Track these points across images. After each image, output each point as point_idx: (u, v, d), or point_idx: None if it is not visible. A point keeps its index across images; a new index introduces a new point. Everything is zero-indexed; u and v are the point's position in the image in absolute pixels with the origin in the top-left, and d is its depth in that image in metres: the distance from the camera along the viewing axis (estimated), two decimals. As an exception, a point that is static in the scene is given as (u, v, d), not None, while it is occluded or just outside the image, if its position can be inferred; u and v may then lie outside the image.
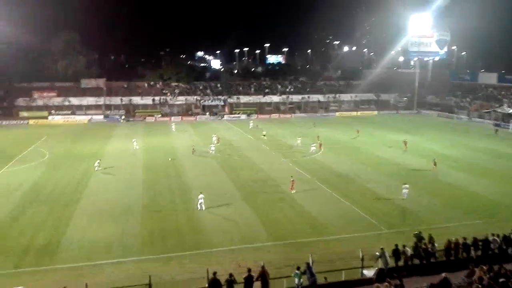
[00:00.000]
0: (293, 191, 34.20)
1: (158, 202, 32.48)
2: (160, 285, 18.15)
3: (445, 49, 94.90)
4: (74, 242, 25.24)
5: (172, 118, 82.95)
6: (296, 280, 18.17)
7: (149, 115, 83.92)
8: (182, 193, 34.76)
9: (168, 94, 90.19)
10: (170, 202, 32.66)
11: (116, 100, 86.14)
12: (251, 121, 75.49)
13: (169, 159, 46.61)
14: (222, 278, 17.12)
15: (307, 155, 48.85)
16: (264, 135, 59.76)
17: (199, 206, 30.31)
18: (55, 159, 47.04)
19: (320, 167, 43.30)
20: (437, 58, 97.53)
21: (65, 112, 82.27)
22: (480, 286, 14.19)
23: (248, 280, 17.24)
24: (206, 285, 17.53)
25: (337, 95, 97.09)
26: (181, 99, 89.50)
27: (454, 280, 16.15)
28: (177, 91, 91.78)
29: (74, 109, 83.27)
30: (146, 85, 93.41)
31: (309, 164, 44.48)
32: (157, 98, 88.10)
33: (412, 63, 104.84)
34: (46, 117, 79.44)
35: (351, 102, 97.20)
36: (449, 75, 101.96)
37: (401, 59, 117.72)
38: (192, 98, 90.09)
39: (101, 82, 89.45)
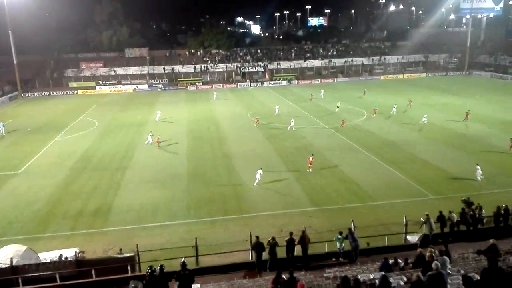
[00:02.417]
0: (309, 170, 31.42)
1: (202, 169, 33.29)
2: (206, 247, 18.87)
3: (501, 4, 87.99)
4: (124, 206, 26.64)
5: (213, 86, 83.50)
6: (338, 244, 18.35)
7: (191, 84, 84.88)
8: (225, 160, 35.39)
9: (209, 61, 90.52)
10: (214, 169, 33.38)
11: (159, 69, 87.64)
12: (215, 93, 71.40)
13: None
14: (265, 241, 17.60)
15: (351, 121, 47.87)
16: (338, 107, 53.87)
17: (257, 181, 29.06)
18: (104, 128, 49.11)
19: (364, 134, 42.37)
20: (491, 15, 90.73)
21: (111, 82, 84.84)
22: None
23: (290, 243, 17.63)
24: (250, 247, 18.12)
25: (382, 58, 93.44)
26: (221, 67, 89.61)
27: (503, 247, 15.67)
28: (217, 58, 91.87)
29: (120, 79, 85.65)
30: (187, 53, 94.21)
31: (353, 131, 43.62)
32: (198, 66, 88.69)
33: (464, 21, 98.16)
34: (94, 87, 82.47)
35: (397, 64, 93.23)
36: (504, 33, 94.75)
37: (452, 17, 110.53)
38: (232, 65, 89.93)
39: (144, 52, 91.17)
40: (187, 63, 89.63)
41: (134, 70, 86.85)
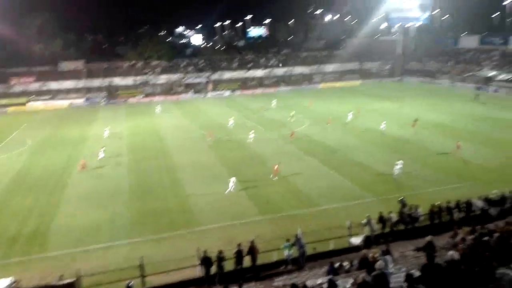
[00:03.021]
0: (274, 178, 31.67)
1: (146, 184, 32.35)
2: (152, 265, 18.25)
3: (428, 13, 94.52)
4: (62, 228, 25.14)
5: (155, 98, 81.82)
6: (286, 252, 18.57)
7: (132, 96, 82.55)
8: (170, 174, 34.65)
9: (150, 73, 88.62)
10: (158, 183, 32.56)
11: (96, 82, 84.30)
12: (158, 106, 67.90)
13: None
14: (214, 255, 17.38)
15: (298, 130, 48.81)
16: (291, 116, 53.87)
17: (232, 190, 29.16)
18: (38, 146, 46.21)
19: (307, 141, 43.24)
20: (419, 23, 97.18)
21: (44, 97, 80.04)
22: (463, 246, 14.58)
23: (239, 255, 17.57)
24: (198, 263, 17.80)
25: (321, 66, 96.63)
26: (163, 78, 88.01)
27: (438, 243, 16.63)
28: (158, 69, 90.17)
29: (54, 94, 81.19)
30: (126, 65, 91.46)
31: (300, 139, 43.96)
32: (138, 78, 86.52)
33: (396, 28, 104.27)
34: (24, 104, 77.40)
35: (335, 72, 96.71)
36: (431, 40, 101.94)
37: (383, 26, 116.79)
38: (174, 76, 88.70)
39: (79, 64, 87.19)
40: (126, 75, 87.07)
41: (69, 84, 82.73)
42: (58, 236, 24.17)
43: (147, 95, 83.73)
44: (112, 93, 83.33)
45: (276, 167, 32.12)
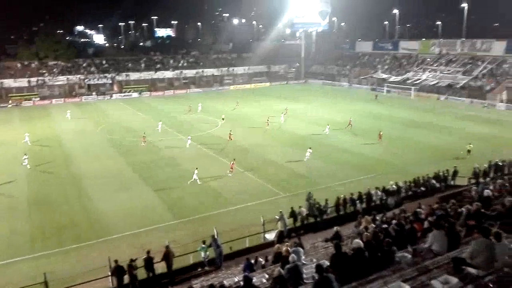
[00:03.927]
0: (230, 174, 32.60)
1: (47, 194, 29.80)
2: (58, 281, 16.90)
3: (327, 20, 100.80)
4: None
5: (53, 100, 75.85)
6: (203, 253, 18.51)
7: (26, 99, 75.38)
8: (75, 183, 32.28)
9: (46, 74, 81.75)
10: (61, 193, 30.20)
11: (-17, 84, 75.52)
12: (68, 111, 60.40)
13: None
14: (126, 264, 16.64)
15: (205, 130, 48.71)
16: (223, 119, 53.36)
17: (198, 181, 30.60)
18: None
19: (218, 142, 43.43)
20: (320, 29, 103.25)
21: None
22: (367, 234, 15.81)
23: (148, 262, 17.03)
24: (109, 273, 16.92)
25: (230, 69, 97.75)
26: (62, 79, 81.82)
27: (345, 232, 17.86)
28: (56, 70, 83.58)
29: None
30: (19, 65, 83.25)
31: (208, 139, 44.35)
32: (33, 79, 79.31)
33: (298, 34, 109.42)
34: None
35: (244, 74, 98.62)
36: (331, 45, 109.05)
37: (288, 31, 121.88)
38: (75, 77, 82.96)
39: (-40, 64, 77.45)
40: (19, 76, 79.29)
41: (-52, 86, 73.05)
42: None
43: (43, 98, 77.17)
44: (2, 96, 75.25)
45: (232, 163, 32.87)
